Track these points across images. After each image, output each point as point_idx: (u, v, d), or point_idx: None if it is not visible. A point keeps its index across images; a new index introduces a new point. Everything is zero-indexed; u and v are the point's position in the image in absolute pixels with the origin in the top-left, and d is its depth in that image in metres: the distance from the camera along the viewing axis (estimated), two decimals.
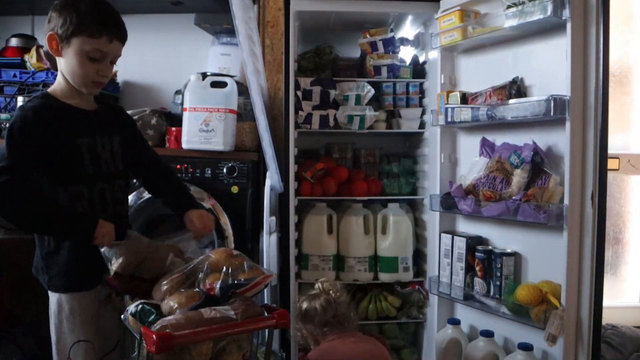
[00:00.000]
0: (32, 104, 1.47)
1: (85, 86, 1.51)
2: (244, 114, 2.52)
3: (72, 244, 1.49)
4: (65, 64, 1.48)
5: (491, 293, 2.03)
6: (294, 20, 2.30)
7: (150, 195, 2.34)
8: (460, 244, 2.15)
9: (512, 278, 2.00)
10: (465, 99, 2.14)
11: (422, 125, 2.54)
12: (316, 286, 1.95)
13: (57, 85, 1.55)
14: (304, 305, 1.88)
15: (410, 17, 2.52)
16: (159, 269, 1.52)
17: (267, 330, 1.58)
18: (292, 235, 2.33)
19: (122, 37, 1.51)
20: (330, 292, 1.89)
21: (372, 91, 2.49)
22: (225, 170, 2.42)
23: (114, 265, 1.45)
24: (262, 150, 2.38)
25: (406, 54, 2.66)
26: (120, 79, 2.94)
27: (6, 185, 1.33)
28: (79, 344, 1.52)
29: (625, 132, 2.92)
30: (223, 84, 2.41)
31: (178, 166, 2.43)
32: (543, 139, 1.92)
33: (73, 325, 1.54)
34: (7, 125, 1.45)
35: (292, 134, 2.33)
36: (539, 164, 1.89)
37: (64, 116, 1.50)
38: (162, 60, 2.97)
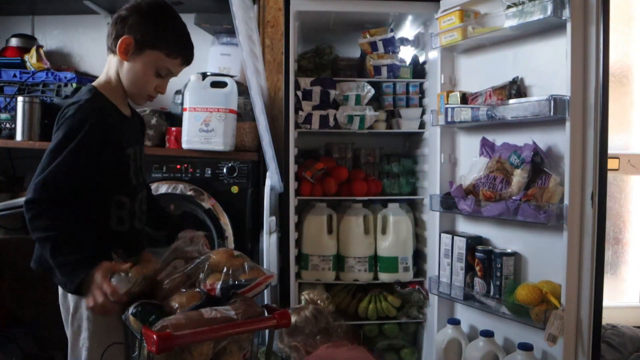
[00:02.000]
0: (90, 105, 1.38)
1: (139, 97, 1.51)
2: (244, 114, 2.52)
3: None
4: (129, 69, 1.45)
5: (491, 293, 2.03)
6: (294, 20, 2.30)
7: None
8: (460, 244, 2.15)
9: (512, 278, 2.00)
10: (465, 99, 2.14)
11: (422, 125, 2.54)
12: (302, 298, 1.98)
13: (107, 85, 1.47)
14: (293, 318, 1.79)
15: (410, 17, 2.52)
16: (170, 292, 1.49)
17: (267, 331, 1.58)
18: (292, 235, 2.33)
19: (190, 61, 1.54)
20: (318, 301, 1.91)
21: (372, 91, 2.49)
22: (225, 170, 2.42)
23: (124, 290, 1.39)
24: (262, 150, 2.38)
25: (406, 54, 2.66)
26: None
27: (42, 203, 1.29)
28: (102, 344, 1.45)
29: (625, 132, 2.92)
30: (223, 84, 2.41)
31: (178, 166, 2.43)
32: (543, 139, 1.92)
33: (100, 324, 1.45)
34: (62, 122, 1.35)
35: (292, 134, 2.33)
36: (539, 164, 1.89)
37: (118, 123, 1.46)
38: None
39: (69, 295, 1.46)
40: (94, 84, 1.49)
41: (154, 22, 1.44)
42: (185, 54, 1.50)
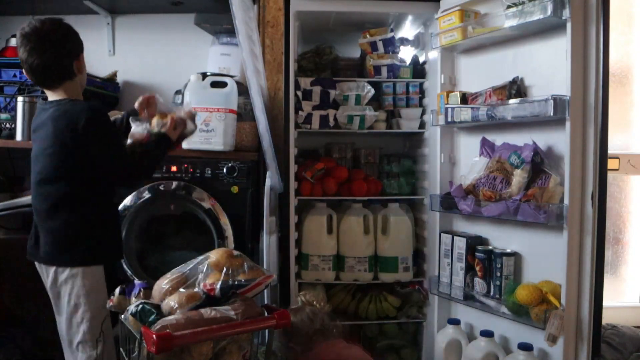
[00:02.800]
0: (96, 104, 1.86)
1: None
2: (244, 114, 2.52)
3: (98, 225, 1.74)
4: (82, 79, 1.79)
5: (491, 293, 2.03)
6: (294, 20, 2.30)
7: (150, 195, 2.37)
8: (460, 244, 2.15)
9: (512, 278, 2.00)
10: (465, 99, 2.14)
11: (422, 125, 2.54)
12: (298, 299, 1.98)
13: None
14: (291, 320, 1.77)
15: (410, 17, 2.52)
16: None
17: (267, 331, 1.58)
18: (292, 235, 2.33)
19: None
20: (314, 302, 1.93)
21: (372, 91, 2.49)
22: (225, 170, 2.42)
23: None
24: (262, 150, 2.38)
25: (406, 54, 2.66)
26: (120, 79, 2.94)
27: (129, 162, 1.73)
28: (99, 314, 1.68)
29: (625, 132, 2.92)
30: (223, 84, 2.41)
31: (178, 166, 2.43)
32: (543, 139, 1.92)
33: (97, 296, 1.69)
34: (86, 120, 1.64)
35: (292, 134, 2.33)
36: (539, 164, 1.89)
37: None
38: (162, 60, 2.97)
39: (62, 279, 1.68)
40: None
41: (68, 33, 1.76)
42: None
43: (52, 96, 1.75)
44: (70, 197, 1.69)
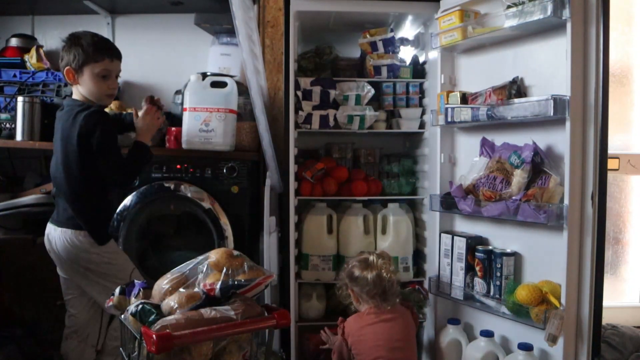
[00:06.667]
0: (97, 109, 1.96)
1: (103, 100, 2.00)
2: (244, 114, 2.52)
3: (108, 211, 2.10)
4: (83, 88, 1.96)
5: (491, 293, 2.03)
6: (294, 20, 2.30)
7: (150, 195, 2.37)
8: (460, 244, 2.15)
9: (512, 278, 2.00)
10: (465, 99, 2.13)
11: (422, 125, 2.54)
12: (371, 258, 2.03)
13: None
14: (356, 272, 2.00)
15: (410, 17, 2.51)
16: None
17: (267, 330, 1.58)
18: (292, 235, 2.33)
19: (119, 55, 2.01)
20: (383, 271, 1.99)
21: (372, 91, 2.49)
22: (225, 170, 2.42)
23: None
24: (262, 150, 2.38)
25: (406, 54, 2.65)
26: (120, 79, 2.94)
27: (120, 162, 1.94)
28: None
29: (625, 132, 2.92)
30: (223, 84, 2.41)
31: (178, 166, 2.43)
32: (543, 139, 1.92)
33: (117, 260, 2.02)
34: (86, 122, 1.88)
35: (292, 134, 2.33)
36: (539, 164, 1.89)
37: None
38: (162, 60, 2.97)
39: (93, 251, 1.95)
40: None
41: (74, 48, 1.92)
42: (107, 53, 1.95)
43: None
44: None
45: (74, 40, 1.94)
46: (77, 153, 1.88)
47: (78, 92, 1.98)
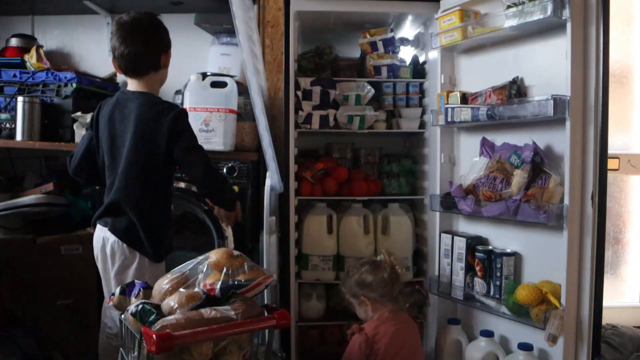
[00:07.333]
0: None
1: None
2: (244, 114, 2.52)
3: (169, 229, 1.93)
4: (159, 78, 1.89)
5: (491, 293, 2.03)
6: (294, 20, 2.30)
7: None
8: (460, 244, 2.15)
9: (512, 278, 2.00)
10: (465, 99, 2.14)
11: (422, 125, 2.54)
12: (380, 257, 1.95)
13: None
14: (368, 277, 1.89)
15: (410, 17, 2.52)
16: None
17: (267, 331, 1.58)
18: (292, 235, 2.33)
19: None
20: (396, 267, 1.91)
21: (372, 91, 2.49)
22: (225, 170, 2.42)
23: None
24: (262, 150, 2.38)
25: (406, 54, 2.66)
26: (120, 79, 2.93)
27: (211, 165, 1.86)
28: None
29: (625, 132, 2.92)
30: (223, 84, 2.41)
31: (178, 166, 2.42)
32: (543, 139, 1.92)
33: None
34: (174, 116, 1.76)
35: (292, 134, 2.33)
36: (539, 164, 1.89)
37: None
38: None
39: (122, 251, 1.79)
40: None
41: (165, 31, 1.90)
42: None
43: (132, 86, 1.86)
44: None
45: (157, 19, 1.84)
46: (164, 156, 1.77)
47: (148, 84, 1.83)
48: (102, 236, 1.83)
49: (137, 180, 1.78)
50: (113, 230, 1.79)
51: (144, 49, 1.79)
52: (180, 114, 1.78)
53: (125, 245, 1.78)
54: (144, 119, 1.77)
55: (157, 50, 1.83)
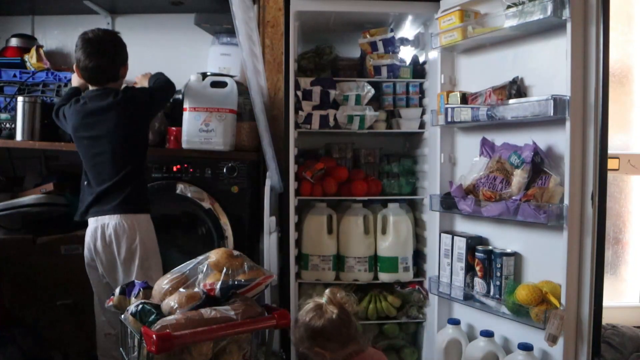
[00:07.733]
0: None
1: None
2: (244, 114, 2.52)
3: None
4: (120, 83, 2.17)
5: (491, 293, 2.03)
6: (294, 20, 2.30)
7: (150, 196, 2.36)
8: (460, 244, 2.15)
9: (512, 278, 1.99)
10: (465, 99, 2.13)
11: (422, 125, 2.53)
12: (324, 299, 1.65)
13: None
14: (318, 322, 1.58)
15: (410, 17, 2.51)
16: None
17: (267, 330, 1.58)
18: (292, 235, 2.33)
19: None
20: (345, 304, 1.64)
21: (372, 91, 2.49)
22: (225, 170, 2.42)
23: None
24: (262, 150, 2.38)
25: (406, 54, 2.65)
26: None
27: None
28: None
29: (625, 132, 2.92)
30: (223, 84, 2.41)
31: (178, 166, 2.43)
32: (543, 139, 1.92)
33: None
34: (123, 90, 2.12)
35: (292, 134, 2.33)
36: (539, 164, 1.89)
37: None
38: (162, 60, 2.95)
39: (135, 240, 2.00)
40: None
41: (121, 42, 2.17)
42: None
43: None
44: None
45: (118, 38, 2.14)
46: (145, 120, 2.14)
47: (115, 86, 2.14)
48: (100, 225, 2.00)
49: (125, 162, 2.03)
50: (112, 211, 1.99)
51: (107, 63, 2.06)
52: (125, 88, 2.11)
53: (124, 222, 1.98)
54: (116, 108, 2.03)
55: (117, 65, 2.10)
